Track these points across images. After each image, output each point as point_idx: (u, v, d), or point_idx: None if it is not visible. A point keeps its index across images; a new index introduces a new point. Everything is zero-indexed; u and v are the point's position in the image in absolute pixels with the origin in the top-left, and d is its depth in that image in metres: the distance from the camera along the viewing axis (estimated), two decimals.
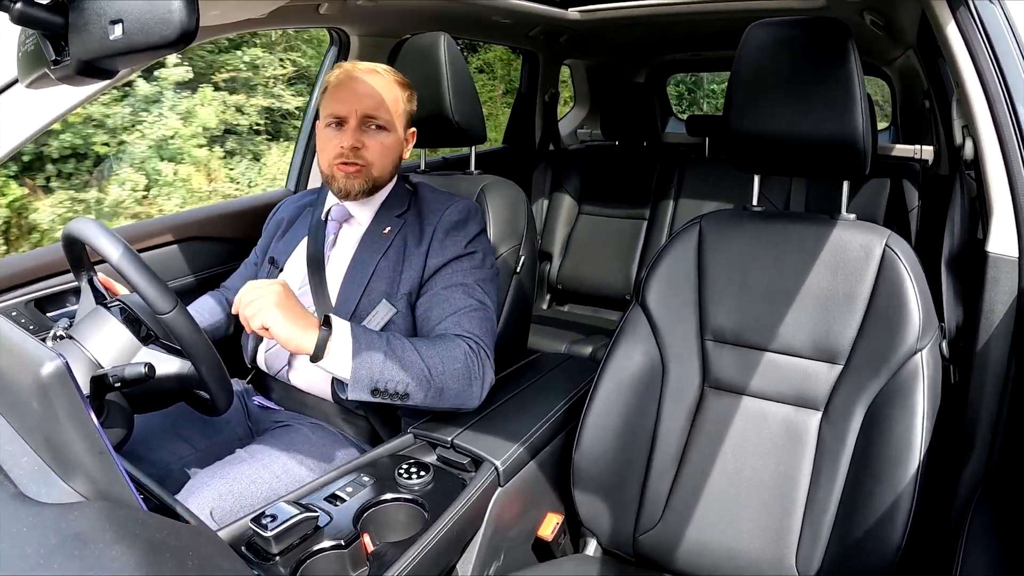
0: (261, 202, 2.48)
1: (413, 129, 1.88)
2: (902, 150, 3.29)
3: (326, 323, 1.46)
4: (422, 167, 2.40)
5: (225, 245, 2.30)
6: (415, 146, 2.17)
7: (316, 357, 1.44)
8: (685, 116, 4.60)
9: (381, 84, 1.75)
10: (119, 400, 1.31)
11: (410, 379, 1.51)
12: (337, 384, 1.57)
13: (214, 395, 1.32)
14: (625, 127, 3.80)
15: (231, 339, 1.94)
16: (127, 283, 1.27)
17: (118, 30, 0.77)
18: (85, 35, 0.80)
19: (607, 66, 4.32)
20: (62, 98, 1.65)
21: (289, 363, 1.77)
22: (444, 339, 1.61)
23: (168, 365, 1.36)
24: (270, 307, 1.42)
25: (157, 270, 1.28)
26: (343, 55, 2.57)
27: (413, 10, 2.48)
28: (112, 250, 1.26)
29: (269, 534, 1.20)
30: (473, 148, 2.34)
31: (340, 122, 1.73)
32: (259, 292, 1.44)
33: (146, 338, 1.40)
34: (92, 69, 0.84)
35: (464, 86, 2.17)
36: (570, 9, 3.00)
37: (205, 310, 1.93)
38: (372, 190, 1.79)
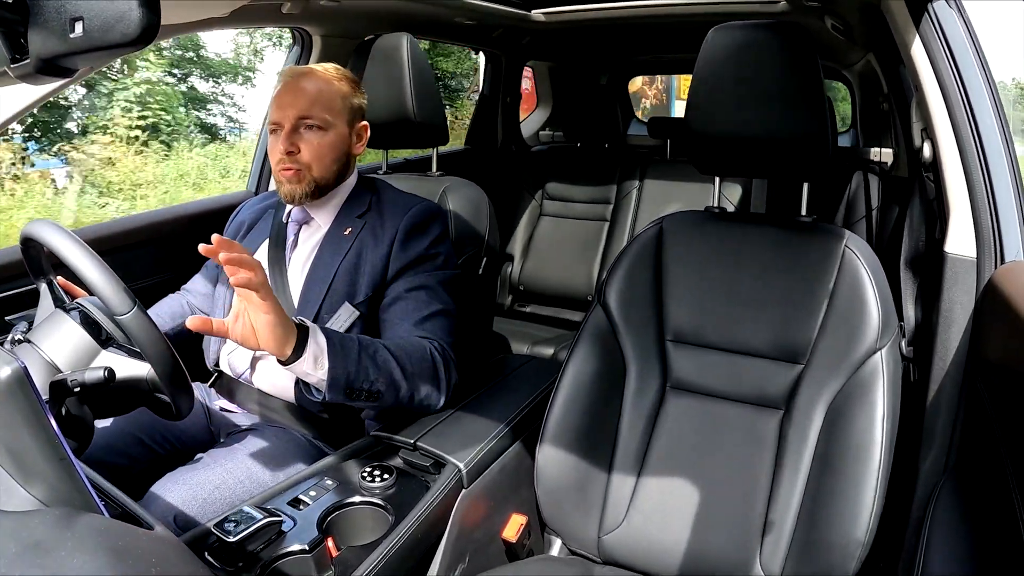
0: (221, 204, 2.46)
1: (364, 123, 1.86)
2: (862, 152, 3.33)
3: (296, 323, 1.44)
4: (384, 168, 2.40)
5: (185, 246, 2.27)
6: (377, 147, 2.16)
7: (289, 361, 1.41)
8: (647, 118, 4.63)
9: (314, 84, 1.74)
10: (79, 405, 1.29)
11: (383, 379, 1.51)
12: (303, 387, 1.56)
13: (174, 399, 1.30)
14: (587, 129, 3.82)
15: (193, 342, 1.92)
16: (84, 284, 1.25)
17: (78, 28, 0.76)
18: (44, 33, 0.79)
19: (569, 67, 4.34)
20: (21, 96, 1.63)
21: (252, 366, 1.75)
22: (411, 342, 1.61)
23: (128, 368, 1.34)
24: (264, 291, 1.33)
25: (117, 272, 1.26)
26: (305, 56, 2.56)
27: (376, 11, 2.46)
28: (68, 250, 1.24)
29: (233, 539, 1.19)
30: (435, 149, 2.33)
31: (278, 128, 1.73)
32: (261, 279, 1.33)
33: (106, 341, 1.38)
34: (51, 67, 0.82)
35: (426, 87, 2.16)
36: (533, 11, 3.00)
37: (166, 313, 1.91)
38: (317, 192, 1.77)
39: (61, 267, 1.32)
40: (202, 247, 1.27)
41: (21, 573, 0.62)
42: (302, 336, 1.42)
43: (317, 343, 1.43)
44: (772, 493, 1.50)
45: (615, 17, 2.85)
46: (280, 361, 1.42)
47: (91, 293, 1.30)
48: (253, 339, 1.36)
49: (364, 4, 2.36)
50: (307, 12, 2.27)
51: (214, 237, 1.28)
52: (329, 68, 1.80)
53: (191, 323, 1.29)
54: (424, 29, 2.96)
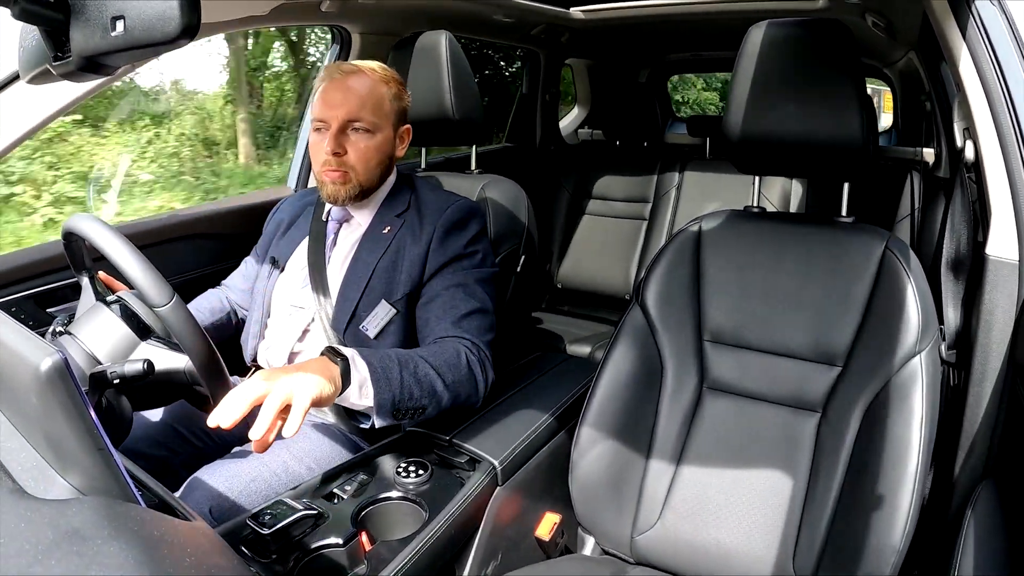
0: (262, 200, 2.48)
1: (407, 126, 1.85)
2: (903, 152, 3.29)
3: (332, 352, 1.40)
4: (423, 166, 2.40)
5: (226, 242, 2.30)
6: (415, 144, 2.16)
7: (343, 389, 1.38)
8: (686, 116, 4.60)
9: (363, 85, 1.73)
10: (118, 396, 1.31)
11: (427, 395, 1.50)
12: (349, 415, 1.54)
13: (212, 391, 1.31)
14: (626, 127, 3.80)
15: (232, 337, 1.94)
16: (124, 276, 1.27)
17: (119, 26, 0.77)
18: (86, 31, 0.80)
19: (608, 66, 4.32)
20: (63, 94, 1.65)
21: (289, 360, 1.77)
22: (445, 347, 1.60)
23: (167, 361, 1.35)
24: (298, 385, 1.24)
25: (157, 266, 1.27)
26: (344, 53, 2.57)
27: (415, 8, 2.47)
28: (108, 244, 1.26)
29: (267, 532, 1.20)
30: (474, 147, 2.34)
31: (323, 127, 1.72)
32: (272, 383, 1.23)
33: (145, 334, 1.40)
34: (93, 65, 0.84)
35: (465, 85, 2.16)
36: (572, 8, 3.00)
37: (206, 308, 1.93)
38: (361, 195, 1.77)
39: (102, 261, 1.34)
40: (228, 424, 1.18)
41: (57, 560, 0.63)
42: (345, 365, 1.38)
43: (359, 371, 1.40)
44: (807, 496, 1.49)
45: (654, 15, 2.84)
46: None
47: (130, 286, 1.32)
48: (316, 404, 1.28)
49: (403, 2, 2.37)
50: (345, 10, 2.28)
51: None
52: (376, 68, 1.79)
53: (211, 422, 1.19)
54: (463, 26, 2.96)
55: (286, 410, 1.22)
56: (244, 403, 1.18)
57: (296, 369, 1.28)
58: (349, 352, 1.41)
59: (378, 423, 1.46)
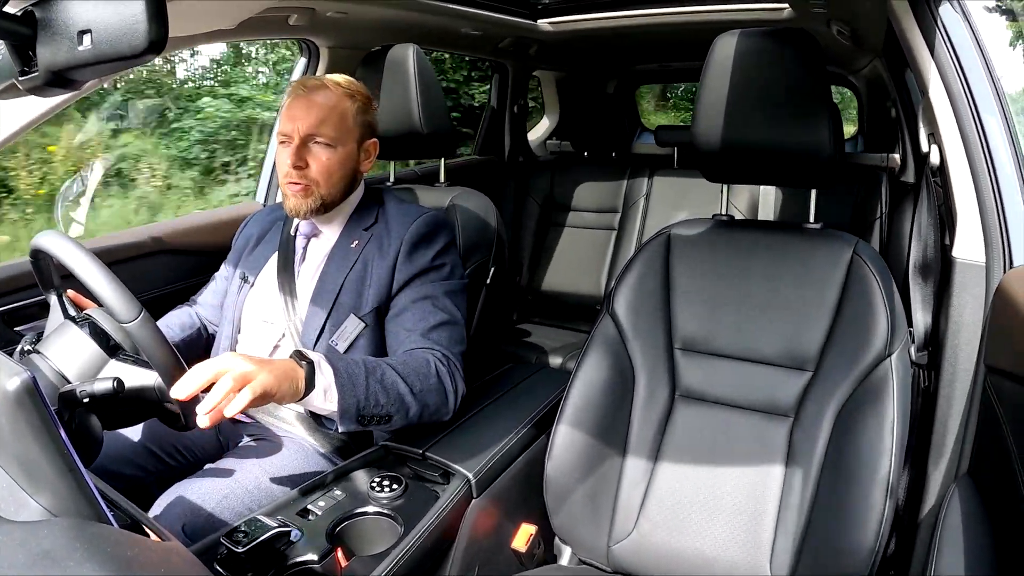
0: (230, 215, 2.46)
1: (374, 140, 1.85)
2: (870, 158, 3.33)
3: (299, 357, 1.42)
4: (391, 180, 2.40)
5: (195, 258, 2.28)
6: (384, 158, 2.16)
7: (306, 394, 1.40)
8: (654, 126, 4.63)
9: (327, 99, 1.73)
10: (88, 415, 1.30)
11: (393, 402, 1.51)
12: (316, 419, 1.57)
13: (183, 407, 1.30)
14: (594, 138, 3.82)
15: (202, 353, 1.92)
16: (90, 292, 1.26)
17: (87, 41, 0.76)
18: (53, 46, 0.79)
19: (576, 77, 4.34)
20: (29, 108, 1.64)
21: None
22: (415, 356, 1.61)
23: (136, 378, 1.34)
24: (259, 373, 1.30)
25: (126, 283, 1.26)
26: (313, 67, 2.57)
27: (383, 22, 2.47)
28: (74, 260, 1.25)
29: (242, 550, 1.19)
30: (443, 160, 2.34)
31: (287, 140, 1.72)
32: (236, 367, 1.29)
33: (115, 352, 1.39)
34: (60, 80, 0.83)
35: (433, 98, 2.17)
36: (540, 20, 3.01)
37: (175, 324, 1.92)
38: (323, 208, 1.77)
39: (70, 279, 1.33)
40: (183, 396, 1.26)
41: None
42: (311, 369, 1.41)
43: (324, 376, 1.43)
44: (782, 501, 1.49)
45: (621, 27, 2.86)
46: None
47: (99, 303, 1.31)
48: (267, 398, 1.33)
49: (371, 16, 2.37)
50: (314, 24, 2.28)
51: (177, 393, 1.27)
52: (342, 82, 1.79)
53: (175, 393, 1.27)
54: (431, 40, 2.97)
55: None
56: (202, 378, 1.26)
57: (261, 362, 1.33)
58: (316, 356, 1.44)
59: (342, 428, 1.47)
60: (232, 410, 1.25)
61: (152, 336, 1.25)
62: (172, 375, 1.27)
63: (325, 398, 1.43)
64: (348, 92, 1.77)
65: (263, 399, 1.30)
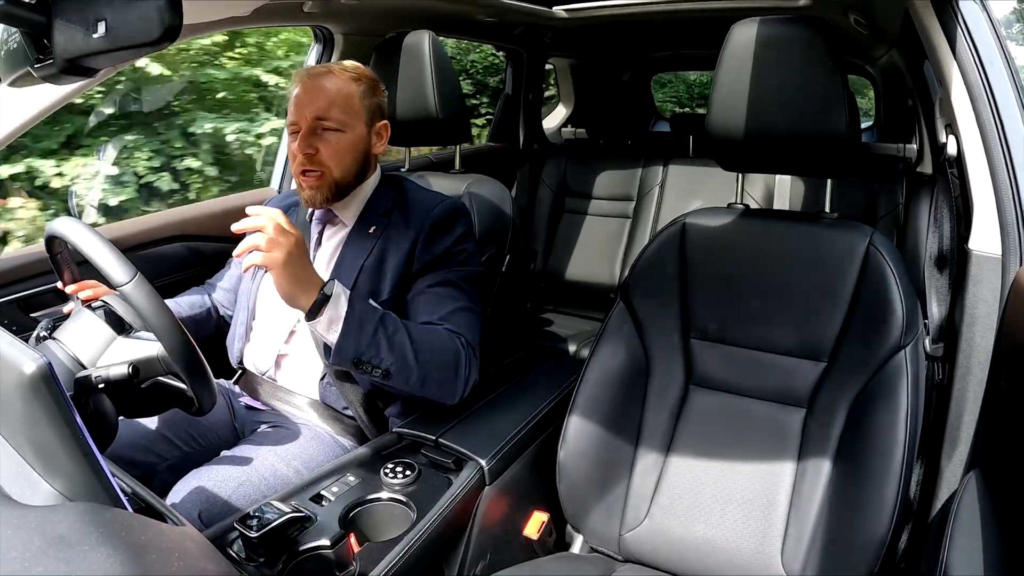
0: (245, 201, 2.47)
1: (384, 122, 1.84)
2: (886, 148, 3.30)
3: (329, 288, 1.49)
4: (407, 166, 2.40)
5: (210, 244, 2.29)
6: (400, 144, 2.16)
7: (309, 317, 1.49)
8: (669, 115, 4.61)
9: (331, 84, 1.73)
10: (103, 401, 1.31)
11: (395, 359, 1.52)
12: (323, 348, 1.64)
13: (185, 371, 1.30)
14: (609, 126, 3.80)
15: (218, 340, 1.93)
16: (86, 259, 1.27)
17: (101, 28, 0.76)
18: (68, 34, 0.80)
19: (591, 65, 4.32)
20: (44, 96, 1.64)
21: (276, 363, 1.76)
22: (440, 333, 1.62)
23: (141, 350, 1.34)
24: (282, 255, 1.42)
25: (142, 269, 1.27)
26: (327, 54, 2.56)
27: (397, 8, 2.47)
28: (70, 229, 1.27)
29: (255, 535, 1.20)
30: (458, 147, 2.33)
31: (296, 129, 1.72)
32: (278, 235, 1.43)
33: (128, 335, 1.40)
34: (75, 68, 0.83)
35: (449, 85, 2.16)
36: (555, 8, 2.99)
37: (184, 302, 1.93)
38: (338, 194, 1.76)
39: (86, 265, 1.34)
40: (235, 227, 1.42)
41: (44, 567, 0.63)
42: (326, 301, 1.48)
43: (336, 310, 1.49)
44: (794, 491, 1.49)
45: (636, 13, 2.84)
46: (305, 316, 1.49)
47: (105, 281, 1.31)
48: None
49: (385, 2, 2.36)
50: (328, 10, 2.28)
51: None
52: (347, 67, 1.79)
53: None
54: (446, 26, 2.96)
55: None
56: (251, 223, 1.43)
57: (291, 255, 1.45)
58: (339, 290, 1.52)
59: (332, 362, 1.53)
60: (245, 261, 1.43)
61: (147, 298, 1.26)
62: (172, 340, 1.27)
63: (329, 328, 1.50)
64: (353, 75, 1.77)
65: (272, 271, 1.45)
